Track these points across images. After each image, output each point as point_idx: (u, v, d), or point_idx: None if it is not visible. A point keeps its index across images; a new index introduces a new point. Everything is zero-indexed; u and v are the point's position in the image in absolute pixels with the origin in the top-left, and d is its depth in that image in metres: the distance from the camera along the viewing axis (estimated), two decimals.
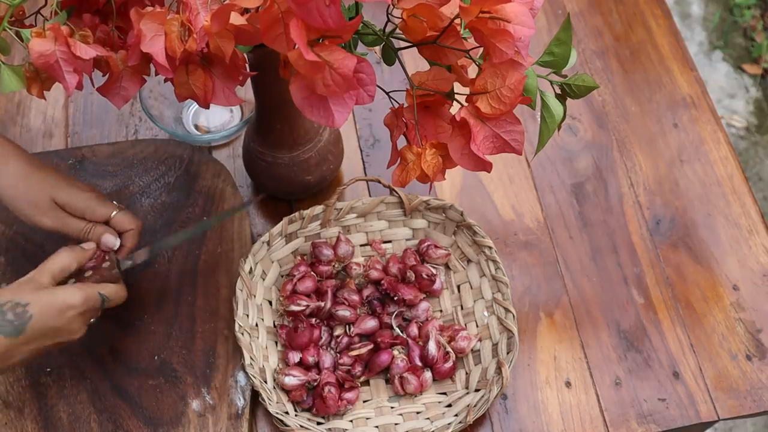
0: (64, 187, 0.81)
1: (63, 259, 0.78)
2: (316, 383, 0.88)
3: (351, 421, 0.88)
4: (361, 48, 0.71)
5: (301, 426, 0.83)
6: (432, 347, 0.90)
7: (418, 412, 0.88)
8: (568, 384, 0.91)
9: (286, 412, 0.85)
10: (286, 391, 0.87)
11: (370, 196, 1.03)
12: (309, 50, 0.52)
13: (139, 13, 0.61)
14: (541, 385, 0.91)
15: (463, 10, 0.56)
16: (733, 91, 2.16)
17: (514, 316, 0.89)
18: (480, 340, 0.91)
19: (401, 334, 0.92)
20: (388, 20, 0.63)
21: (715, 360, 0.93)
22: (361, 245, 0.98)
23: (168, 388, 0.87)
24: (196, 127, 1.07)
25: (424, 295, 0.94)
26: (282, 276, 0.95)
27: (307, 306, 0.90)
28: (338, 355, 0.91)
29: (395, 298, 0.92)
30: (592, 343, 0.94)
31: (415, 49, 0.62)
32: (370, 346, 0.90)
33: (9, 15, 0.64)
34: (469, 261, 0.96)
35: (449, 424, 0.84)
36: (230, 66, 0.63)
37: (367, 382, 0.91)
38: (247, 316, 0.89)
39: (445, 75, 0.62)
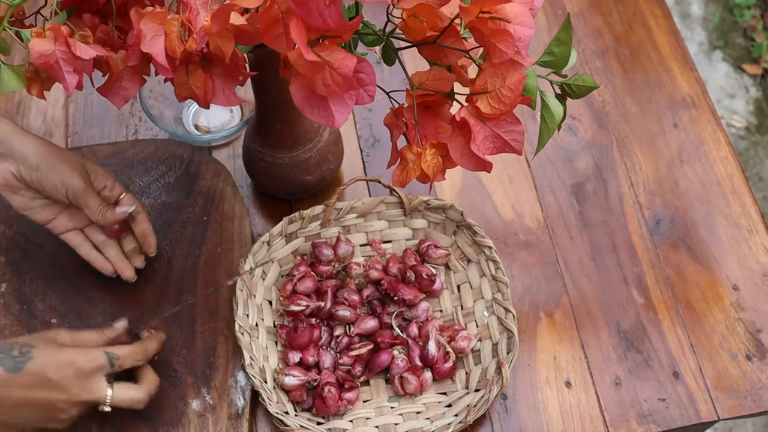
0: (90, 162, 0.86)
1: (86, 333, 0.82)
2: (316, 383, 0.88)
3: (351, 421, 0.88)
4: (361, 48, 0.71)
5: (301, 426, 0.83)
6: (432, 347, 0.90)
7: (418, 412, 0.88)
8: (568, 384, 0.91)
9: (286, 412, 0.85)
10: (286, 391, 0.87)
11: (370, 196, 1.03)
12: (309, 50, 0.52)
13: (139, 13, 0.61)
14: (541, 385, 0.91)
15: (463, 10, 0.56)
16: (733, 91, 2.16)
17: (514, 316, 0.89)
18: (480, 340, 0.91)
19: (401, 334, 0.92)
20: (388, 20, 0.63)
21: (715, 360, 0.93)
22: (361, 245, 0.98)
23: (168, 387, 0.87)
24: (196, 127, 1.07)
25: (424, 295, 0.94)
26: (282, 276, 0.95)
27: (307, 306, 0.90)
28: (338, 355, 0.91)
29: (395, 298, 0.92)
30: (592, 343, 0.94)
31: (415, 49, 0.62)
32: (370, 346, 0.90)
33: (9, 15, 0.64)
34: (469, 261, 0.96)
35: (449, 424, 0.84)
36: (230, 66, 0.63)
37: (367, 382, 0.91)
38: (247, 316, 0.89)
39: (445, 75, 0.62)
